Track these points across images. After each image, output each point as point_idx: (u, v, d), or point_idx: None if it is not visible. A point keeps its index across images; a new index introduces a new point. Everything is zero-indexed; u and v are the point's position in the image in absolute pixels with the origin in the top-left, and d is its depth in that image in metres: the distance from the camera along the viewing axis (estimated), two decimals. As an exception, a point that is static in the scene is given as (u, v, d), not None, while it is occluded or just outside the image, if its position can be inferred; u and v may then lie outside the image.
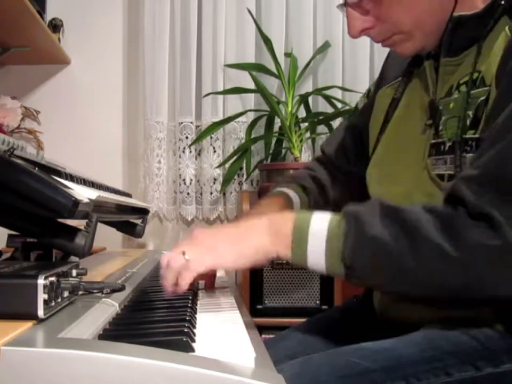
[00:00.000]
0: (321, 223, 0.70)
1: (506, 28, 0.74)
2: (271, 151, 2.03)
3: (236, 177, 2.04)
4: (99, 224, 0.75)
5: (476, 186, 0.66)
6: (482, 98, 0.73)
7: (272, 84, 2.04)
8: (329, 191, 1.06)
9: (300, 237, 0.70)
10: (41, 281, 0.50)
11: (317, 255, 0.69)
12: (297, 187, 1.03)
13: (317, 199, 1.04)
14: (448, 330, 0.73)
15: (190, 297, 0.75)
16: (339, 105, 1.96)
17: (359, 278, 0.70)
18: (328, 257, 0.69)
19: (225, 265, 0.73)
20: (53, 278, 0.53)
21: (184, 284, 0.70)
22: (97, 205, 0.78)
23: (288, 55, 2.01)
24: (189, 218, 2.06)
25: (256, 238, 0.72)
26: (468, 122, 0.74)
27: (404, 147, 0.88)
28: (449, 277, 0.65)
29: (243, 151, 1.94)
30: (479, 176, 0.66)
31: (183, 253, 0.72)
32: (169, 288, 0.72)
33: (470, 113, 0.75)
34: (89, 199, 0.69)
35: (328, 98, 1.96)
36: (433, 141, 0.80)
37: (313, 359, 0.70)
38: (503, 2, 0.75)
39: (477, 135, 0.73)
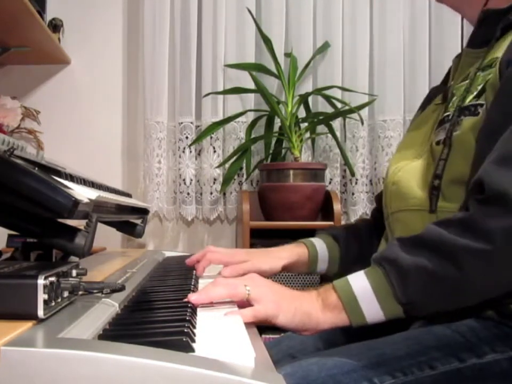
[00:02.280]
0: (358, 280, 0.74)
1: None
2: (271, 151, 2.03)
3: (236, 177, 2.04)
4: (99, 224, 0.75)
5: (493, 166, 0.69)
6: (493, 75, 0.78)
7: (272, 84, 2.04)
8: (364, 236, 1.09)
9: (349, 300, 0.73)
10: (41, 281, 0.50)
11: (372, 309, 0.72)
12: (326, 236, 1.08)
13: (349, 244, 1.07)
14: (432, 327, 0.75)
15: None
16: (339, 105, 1.96)
17: (420, 309, 0.72)
18: (384, 305, 0.71)
19: (280, 320, 0.73)
20: (53, 278, 0.53)
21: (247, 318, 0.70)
22: (97, 205, 0.78)
23: (288, 55, 2.01)
24: (189, 218, 2.06)
25: (309, 305, 0.75)
26: (475, 93, 0.80)
27: (418, 129, 0.96)
28: (498, 270, 0.67)
29: (243, 151, 1.94)
30: (497, 157, 0.69)
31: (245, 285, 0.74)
32: (199, 299, 0.73)
33: (479, 87, 0.80)
34: (89, 199, 0.69)
35: (328, 98, 1.96)
36: (441, 117, 0.87)
37: (303, 360, 0.72)
38: None
39: (477, 102, 0.79)
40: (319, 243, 1.06)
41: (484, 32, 0.85)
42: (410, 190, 0.87)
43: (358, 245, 1.08)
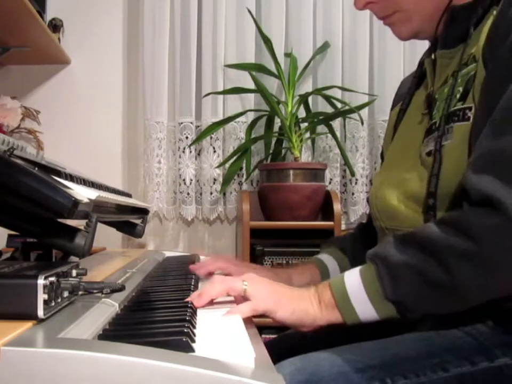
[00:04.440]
0: (353, 277, 0.74)
1: (494, 12, 0.76)
2: (271, 151, 2.03)
3: (236, 177, 2.04)
4: (99, 224, 0.75)
5: (476, 169, 0.68)
6: (472, 73, 0.76)
7: (272, 84, 2.04)
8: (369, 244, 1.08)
9: (341, 297, 0.73)
10: (41, 281, 0.50)
11: (365, 307, 0.72)
12: (335, 250, 1.07)
13: (356, 255, 1.05)
14: (442, 328, 0.74)
15: (190, 297, 0.75)
16: (339, 105, 1.96)
17: (412, 310, 0.70)
18: (375, 303, 0.71)
19: (279, 315, 0.73)
20: (53, 278, 0.53)
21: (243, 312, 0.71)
22: (97, 205, 0.78)
23: (288, 55, 2.01)
24: (189, 218, 2.06)
25: (306, 302, 0.75)
26: (458, 96, 0.78)
27: (405, 141, 0.92)
28: (487, 272, 0.65)
29: (243, 151, 1.94)
30: (478, 158, 0.68)
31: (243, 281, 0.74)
32: (200, 301, 0.73)
33: (460, 88, 0.78)
34: (89, 199, 0.69)
35: (328, 98, 1.96)
36: (428, 126, 0.85)
37: (313, 356, 0.71)
38: None
39: (464, 105, 0.76)
40: (329, 261, 1.04)
41: (455, 30, 0.82)
42: (399, 210, 0.84)
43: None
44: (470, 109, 0.75)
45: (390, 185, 0.88)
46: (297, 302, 0.74)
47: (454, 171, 0.75)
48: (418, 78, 0.97)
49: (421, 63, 0.97)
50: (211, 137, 2.03)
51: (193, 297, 0.75)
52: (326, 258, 1.05)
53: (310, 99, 2.02)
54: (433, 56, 0.89)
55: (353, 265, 1.03)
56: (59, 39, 2.00)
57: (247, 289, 0.74)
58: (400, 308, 0.70)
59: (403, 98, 1.00)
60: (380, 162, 1.14)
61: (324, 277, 1.02)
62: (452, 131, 0.77)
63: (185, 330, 0.56)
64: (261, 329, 1.77)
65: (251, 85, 1.96)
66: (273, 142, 2.04)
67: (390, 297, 0.70)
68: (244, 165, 2.00)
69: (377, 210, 0.92)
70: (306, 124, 1.97)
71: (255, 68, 1.96)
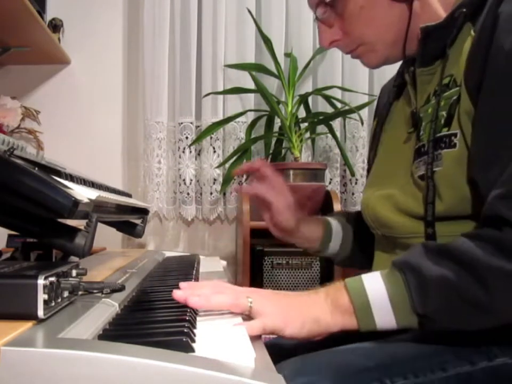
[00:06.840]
0: (374, 283, 0.70)
1: (472, 31, 0.77)
2: (271, 151, 2.03)
3: (236, 177, 2.04)
4: (99, 224, 0.75)
5: (509, 202, 0.66)
6: (455, 97, 0.76)
7: (272, 84, 2.04)
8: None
9: (361, 305, 0.69)
10: (41, 281, 0.50)
11: (385, 318, 0.69)
12: (340, 217, 1.11)
13: (357, 224, 1.07)
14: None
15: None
16: (339, 105, 1.96)
17: (436, 323, 0.69)
18: (398, 314, 0.68)
19: (288, 332, 0.69)
20: (53, 278, 0.53)
21: (253, 330, 0.66)
22: (97, 205, 0.78)
23: (288, 55, 2.01)
24: (189, 218, 2.06)
25: (317, 310, 0.71)
26: (442, 121, 0.78)
27: (392, 159, 0.93)
28: None
29: (243, 151, 1.94)
30: (509, 192, 0.66)
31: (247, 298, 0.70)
32: (196, 303, 0.68)
33: (444, 113, 0.78)
34: (89, 199, 0.69)
35: (328, 98, 1.96)
36: (416, 146, 0.84)
37: (312, 357, 0.70)
38: (464, 10, 0.78)
39: (450, 132, 0.76)
40: (335, 225, 1.07)
41: (431, 49, 0.83)
42: (393, 220, 0.84)
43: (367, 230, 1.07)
44: (455, 135, 0.75)
45: (380, 198, 0.88)
46: (307, 311, 0.71)
47: (448, 195, 0.76)
48: (397, 88, 0.97)
49: (401, 73, 0.96)
50: (211, 137, 2.03)
51: (190, 296, 0.68)
52: (332, 221, 1.07)
53: (310, 99, 2.02)
54: (411, 69, 0.88)
55: (355, 235, 1.07)
56: (59, 39, 2.00)
57: (252, 306, 0.69)
58: (423, 321, 0.68)
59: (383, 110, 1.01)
60: (367, 168, 1.14)
61: (325, 236, 1.05)
62: (441, 157, 0.77)
63: (185, 330, 0.56)
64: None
65: (251, 85, 1.96)
66: (273, 142, 2.04)
67: (418, 311, 0.67)
68: (244, 165, 2.00)
69: (370, 220, 0.92)
70: (306, 124, 1.97)
71: (255, 68, 1.96)
